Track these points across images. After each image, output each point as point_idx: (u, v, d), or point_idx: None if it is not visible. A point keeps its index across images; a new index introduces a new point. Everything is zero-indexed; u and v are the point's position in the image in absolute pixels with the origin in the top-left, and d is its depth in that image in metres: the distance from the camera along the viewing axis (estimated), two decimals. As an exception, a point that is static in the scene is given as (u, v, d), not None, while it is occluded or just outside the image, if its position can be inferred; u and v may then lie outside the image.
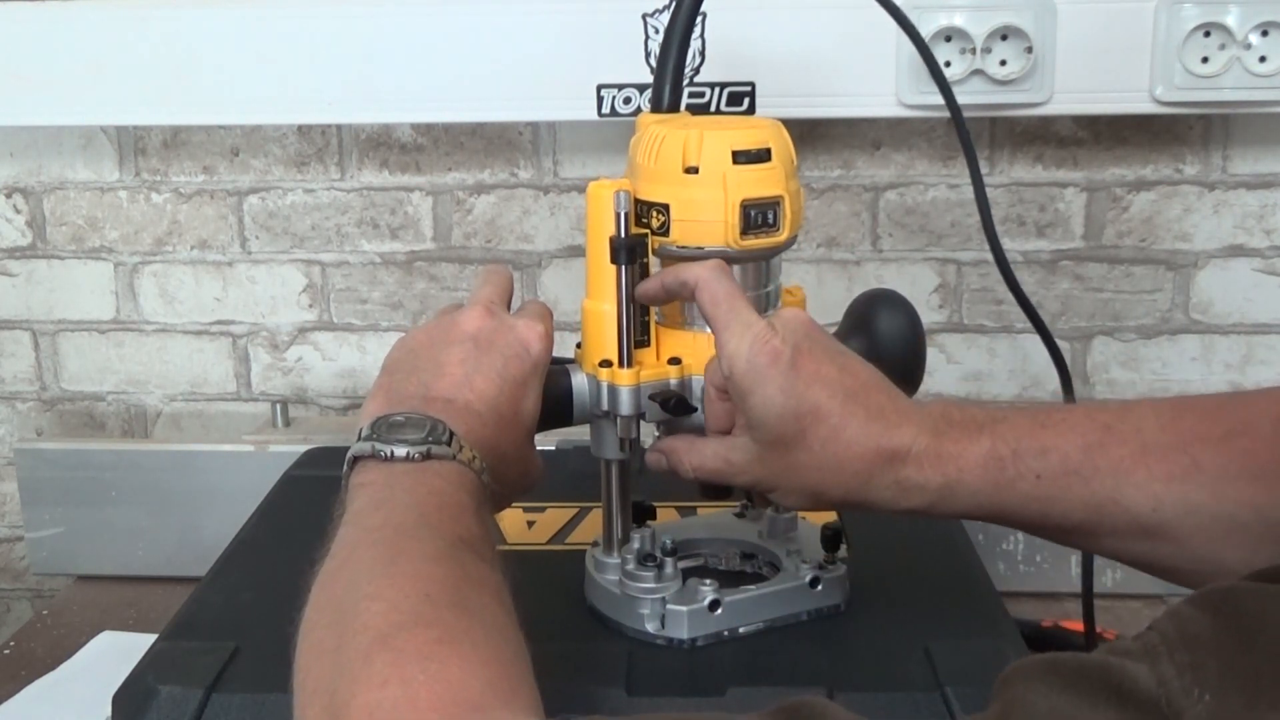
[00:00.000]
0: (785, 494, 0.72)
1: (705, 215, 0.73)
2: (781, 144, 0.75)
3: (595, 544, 0.84)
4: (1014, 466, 0.67)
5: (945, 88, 0.87)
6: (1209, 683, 0.42)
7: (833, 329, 0.83)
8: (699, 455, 0.74)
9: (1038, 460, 0.66)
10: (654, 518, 0.86)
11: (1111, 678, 0.44)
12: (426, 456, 0.66)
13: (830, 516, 0.90)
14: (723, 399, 0.73)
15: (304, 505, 1.01)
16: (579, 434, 0.82)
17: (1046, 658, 0.46)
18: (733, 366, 0.69)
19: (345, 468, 0.68)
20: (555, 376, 0.76)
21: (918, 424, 0.68)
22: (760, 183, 0.73)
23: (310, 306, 1.32)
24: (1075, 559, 1.08)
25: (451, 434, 0.67)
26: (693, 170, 0.73)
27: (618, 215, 0.74)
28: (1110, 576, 1.16)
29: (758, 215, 0.74)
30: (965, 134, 0.88)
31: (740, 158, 0.73)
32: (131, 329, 1.34)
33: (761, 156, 0.74)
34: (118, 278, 1.33)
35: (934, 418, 0.69)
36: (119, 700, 0.76)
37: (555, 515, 0.97)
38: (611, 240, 0.74)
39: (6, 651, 1.09)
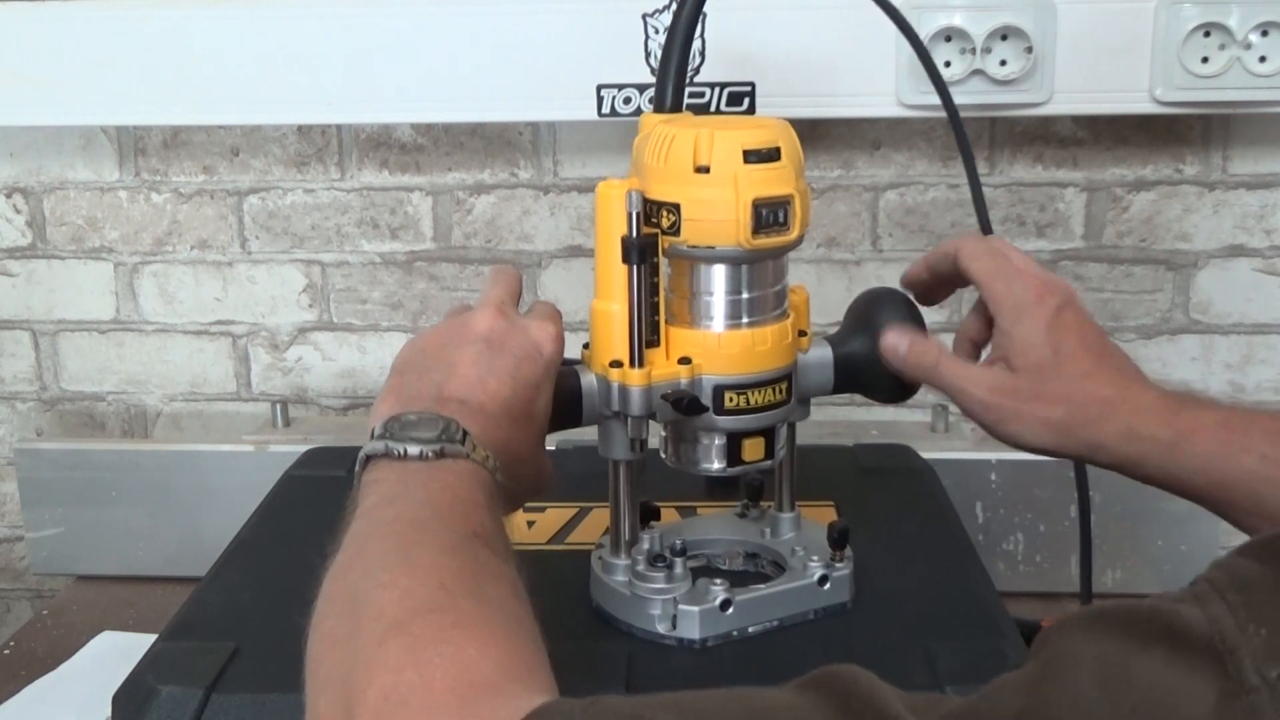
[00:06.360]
0: (1026, 422, 0.76)
1: (716, 215, 0.73)
2: (790, 143, 0.75)
3: (600, 545, 0.83)
4: (1244, 438, 0.70)
5: (943, 90, 0.87)
6: (1264, 617, 0.42)
7: (833, 329, 0.83)
8: (955, 368, 0.79)
9: (1267, 442, 0.69)
10: (658, 518, 0.86)
11: (1161, 620, 0.44)
12: (440, 455, 0.65)
13: (835, 515, 0.91)
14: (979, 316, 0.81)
15: (304, 505, 1.02)
16: (579, 434, 0.81)
17: (1090, 609, 0.46)
18: (1001, 306, 0.76)
19: (357, 467, 0.67)
20: (565, 377, 0.76)
21: (1159, 390, 0.74)
22: (771, 182, 0.73)
23: (310, 306, 1.32)
24: (1075, 559, 1.08)
25: (465, 433, 0.67)
26: (704, 170, 0.73)
27: (630, 215, 0.74)
28: (1110, 576, 1.16)
29: (769, 214, 0.73)
30: (963, 136, 0.88)
31: (751, 157, 0.73)
32: (131, 329, 1.34)
33: (772, 155, 0.73)
34: (118, 278, 1.33)
35: (1174, 391, 0.75)
36: (119, 700, 0.76)
37: (555, 515, 0.97)
38: (623, 240, 0.74)
39: (6, 651, 1.09)
